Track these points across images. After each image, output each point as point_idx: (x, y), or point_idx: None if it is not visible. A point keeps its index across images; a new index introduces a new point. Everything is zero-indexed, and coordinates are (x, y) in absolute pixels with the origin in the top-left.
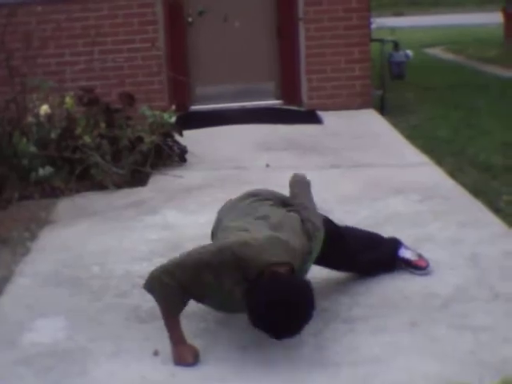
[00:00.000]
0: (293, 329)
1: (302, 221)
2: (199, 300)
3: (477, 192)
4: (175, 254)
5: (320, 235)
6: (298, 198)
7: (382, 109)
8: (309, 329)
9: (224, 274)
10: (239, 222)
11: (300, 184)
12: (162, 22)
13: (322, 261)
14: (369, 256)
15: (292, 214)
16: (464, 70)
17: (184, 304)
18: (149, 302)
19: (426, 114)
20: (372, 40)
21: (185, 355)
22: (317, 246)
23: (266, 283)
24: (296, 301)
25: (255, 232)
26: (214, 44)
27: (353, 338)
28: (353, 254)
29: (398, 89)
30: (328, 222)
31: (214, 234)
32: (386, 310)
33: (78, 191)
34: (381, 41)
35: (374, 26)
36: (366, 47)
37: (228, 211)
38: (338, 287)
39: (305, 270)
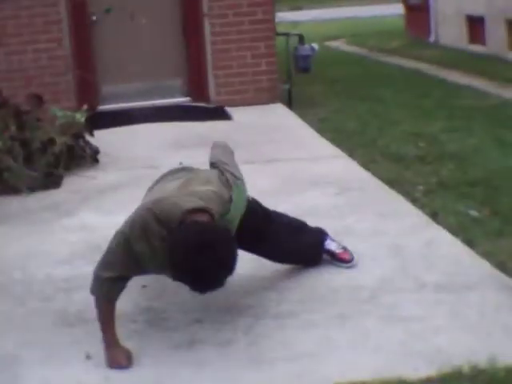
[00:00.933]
0: (216, 278)
1: (221, 172)
2: (142, 273)
3: (392, 183)
4: (96, 255)
5: (241, 184)
6: (216, 156)
7: (290, 103)
8: (239, 326)
9: (151, 236)
10: (156, 188)
11: (220, 147)
12: (66, 21)
13: (249, 245)
14: (295, 243)
15: (209, 169)
16: (367, 61)
17: (124, 286)
18: (75, 305)
19: (333, 107)
20: (277, 34)
21: (118, 358)
22: (239, 197)
23: (186, 229)
24: (217, 245)
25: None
26: (120, 42)
27: (284, 334)
28: (280, 238)
29: (304, 82)
30: (256, 202)
31: None
32: (314, 304)
33: None
34: (286, 35)
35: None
36: (272, 42)
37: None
38: (263, 283)
39: (228, 222)
